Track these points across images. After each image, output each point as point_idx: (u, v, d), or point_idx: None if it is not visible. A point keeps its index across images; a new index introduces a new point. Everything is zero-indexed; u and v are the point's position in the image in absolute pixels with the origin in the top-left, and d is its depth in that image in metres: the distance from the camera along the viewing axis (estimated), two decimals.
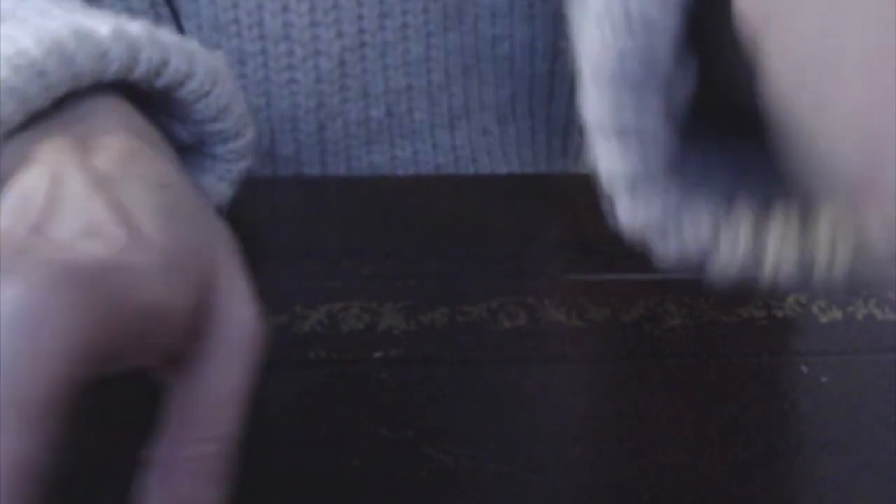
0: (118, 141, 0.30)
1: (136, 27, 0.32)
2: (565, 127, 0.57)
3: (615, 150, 0.25)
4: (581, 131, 0.62)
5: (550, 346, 0.34)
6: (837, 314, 0.35)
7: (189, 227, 0.28)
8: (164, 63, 0.32)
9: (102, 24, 0.31)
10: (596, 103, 0.24)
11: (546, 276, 0.37)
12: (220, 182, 0.37)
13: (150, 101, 0.34)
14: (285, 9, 0.47)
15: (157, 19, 0.49)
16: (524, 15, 0.52)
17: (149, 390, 0.31)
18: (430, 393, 0.31)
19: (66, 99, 0.30)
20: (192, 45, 0.34)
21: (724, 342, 0.34)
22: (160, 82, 0.33)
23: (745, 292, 0.36)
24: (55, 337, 0.22)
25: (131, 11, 0.49)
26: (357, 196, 0.41)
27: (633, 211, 0.26)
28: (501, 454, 0.29)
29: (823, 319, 0.35)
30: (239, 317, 0.27)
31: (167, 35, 0.33)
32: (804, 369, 0.33)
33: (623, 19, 0.23)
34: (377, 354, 0.33)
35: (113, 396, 0.31)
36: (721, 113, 0.25)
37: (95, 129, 0.30)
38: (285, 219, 0.40)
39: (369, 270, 0.37)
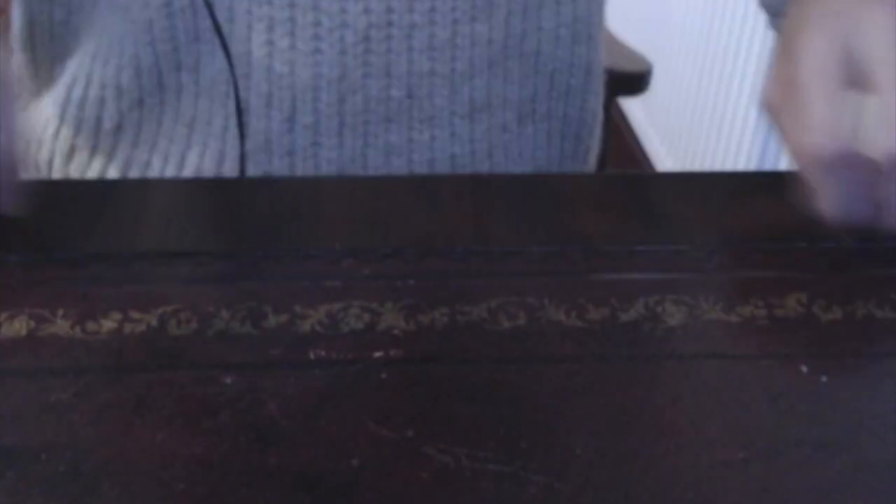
0: None
1: None
2: (577, 132, 0.58)
3: None
4: (590, 134, 0.62)
5: (550, 346, 0.34)
6: (837, 314, 0.35)
7: None
8: None
9: None
10: None
11: (546, 276, 0.37)
12: None
13: None
14: None
15: None
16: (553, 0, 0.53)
17: (150, 388, 0.31)
18: (430, 393, 0.31)
19: None
20: None
21: (724, 341, 0.34)
22: None
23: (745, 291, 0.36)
24: None
25: None
26: (357, 196, 0.41)
27: None
28: (501, 453, 0.29)
29: (823, 319, 0.35)
30: None
31: None
32: (804, 369, 0.33)
33: None
34: (377, 354, 0.33)
35: (114, 395, 0.31)
36: None
37: None
38: (285, 219, 0.40)
39: (369, 270, 0.37)
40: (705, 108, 1.68)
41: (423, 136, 0.53)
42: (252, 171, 0.52)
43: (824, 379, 0.32)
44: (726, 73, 1.57)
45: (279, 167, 0.52)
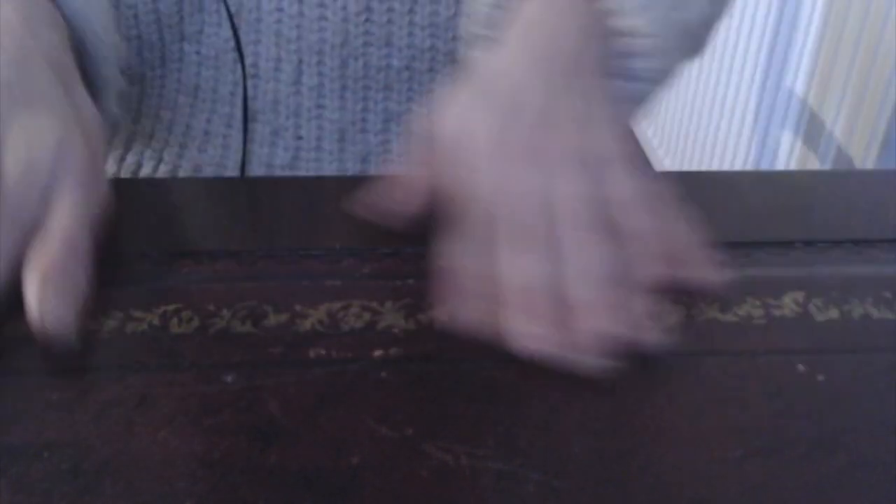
0: None
1: None
2: None
3: None
4: None
5: None
6: (834, 313, 0.35)
7: None
8: None
9: None
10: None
11: None
12: None
13: None
14: None
15: None
16: None
17: (150, 388, 0.31)
18: (429, 391, 0.32)
19: None
20: None
21: (722, 341, 0.34)
22: None
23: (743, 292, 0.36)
24: None
25: None
26: (356, 196, 0.42)
27: None
28: (501, 452, 0.29)
29: (820, 318, 0.35)
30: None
31: None
32: (801, 368, 0.33)
33: None
34: (377, 353, 0.33)
35: (114, 394, 0.31)
36: None
37: None
38: (285, 219, 0.40)
39: (369, 270, 0.37)
40: (703, 108, 1.68)
41: (422, 108, 0.55)
42: (260, 130, 0.55)
43: (821, 378, 0.33)
44: (724, 73, 1.57)
45: (285, 126, 0.55)
